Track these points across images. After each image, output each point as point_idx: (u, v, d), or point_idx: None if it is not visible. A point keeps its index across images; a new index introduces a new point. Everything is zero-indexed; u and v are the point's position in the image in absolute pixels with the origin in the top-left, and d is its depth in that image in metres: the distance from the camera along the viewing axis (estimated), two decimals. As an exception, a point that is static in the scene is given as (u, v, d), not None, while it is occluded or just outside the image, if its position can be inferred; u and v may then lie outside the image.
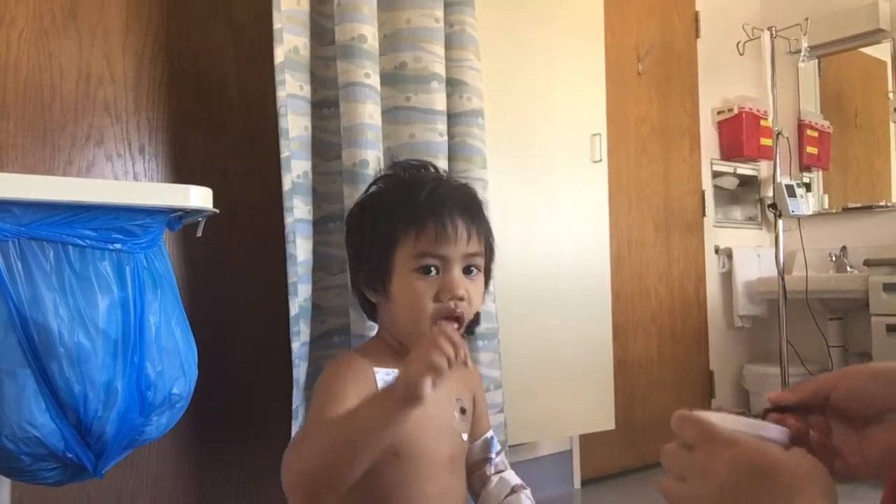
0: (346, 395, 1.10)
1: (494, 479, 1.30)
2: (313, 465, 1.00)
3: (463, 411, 1.27)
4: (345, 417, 1.02)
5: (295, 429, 1.53)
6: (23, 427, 0.99)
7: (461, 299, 1.15)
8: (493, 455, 1.33)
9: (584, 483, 2.68)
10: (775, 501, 0.55)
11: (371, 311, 1.29)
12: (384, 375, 1.16)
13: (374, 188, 1.29)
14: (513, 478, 1.31)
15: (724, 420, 0.63)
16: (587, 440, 2.68)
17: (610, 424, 2.49)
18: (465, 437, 1.27)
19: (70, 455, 1.04)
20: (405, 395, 0.93)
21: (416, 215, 1.16)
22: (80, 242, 1.04)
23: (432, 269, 1.15)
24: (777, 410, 0.70)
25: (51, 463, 1.05)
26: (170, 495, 1.68)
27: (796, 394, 0.71)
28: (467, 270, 1.19)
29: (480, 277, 1.22)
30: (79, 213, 1.04)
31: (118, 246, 1.08)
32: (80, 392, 1.02)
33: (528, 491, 1.29)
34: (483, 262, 1.23)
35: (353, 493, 1.11)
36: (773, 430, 0.63)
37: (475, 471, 1.31)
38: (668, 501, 0.62)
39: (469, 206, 1.21)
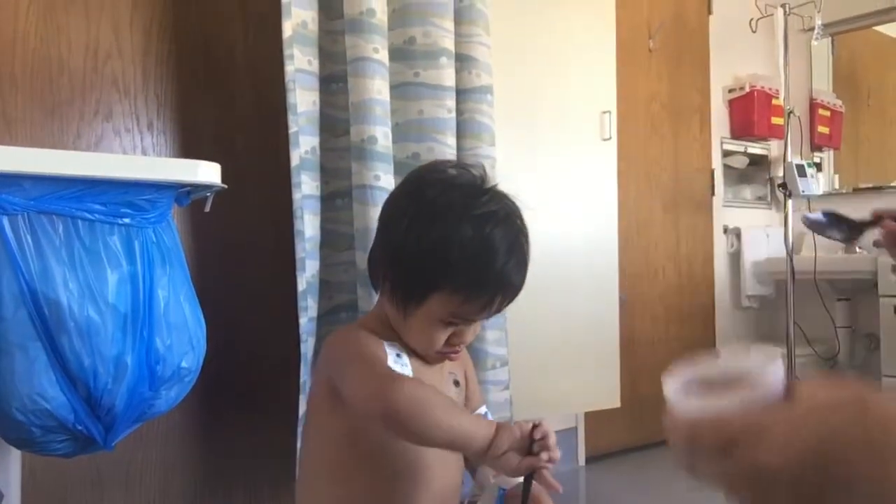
0: (375, 349, 1.15)
1: None
2: (420, 400, 1.03)
3: (456, 383, 1.31)
4: (453, 407, 1.08)
5: (302, 403, 1.54)
6: (33, 399, 1.00)
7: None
8: None
9: (588, 460, 2.70)
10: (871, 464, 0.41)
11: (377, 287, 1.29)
12: (391, 348, 1.18)
13: (443, 186, 1.18)
14: None
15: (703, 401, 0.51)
16: (592, 418, 2.69)
17: (615, 402, 2.50)
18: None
19: (80, 427, 1.05)
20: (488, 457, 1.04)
21: (474, 287, 1.13)
22: (89, 217, 1.04)
23: (456, 325, 1.18)
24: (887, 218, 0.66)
25: (61, 435, 1.06)
26: (178, 467, 1.70)
27: None
28: None
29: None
30: (88, 188, 1.04)
31: (127, 220, 1.08)
32: (90, 365, 1.03)
33: None
34: None
35: (364, 457, 1.13)
36: (770, 371, 0.51)
37: None
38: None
39: (522, 281, 1.19)
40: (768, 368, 0.51)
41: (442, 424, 1.02)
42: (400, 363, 1.17)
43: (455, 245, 1.12)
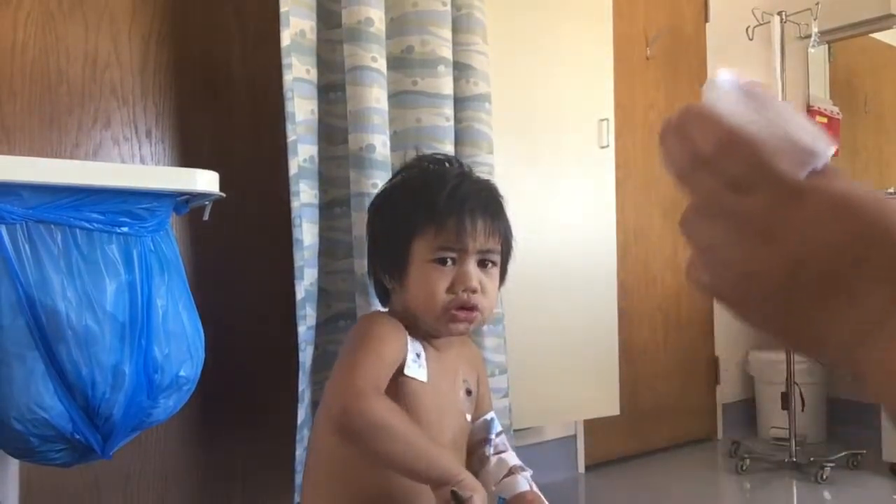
0: (391, 346, 1.16)
1: (493, 459, 1.31)
2: (380, 425, 1.04)
3: (469, 392, 1.30)
4: (421, 439, 1.07)
5: (300, 412, 1.54)
6: (31, 409, 1.00)
7: (474, 291, 1.19)
8: (493, 436, 1.34)
9: (588, 468, 2.69)
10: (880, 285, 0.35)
11: (384, 296, 1.31)
12: (413, 344, 1.20)
13: (398, 178, 1.31)
14: (512, 459, 1.32)
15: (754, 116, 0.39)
16: (592, 425, 2.68)
17: (614, 410, 2.50)
18: (468, 417, 1.29)
19: (78, 436, 1.05)
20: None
21: (437, 212, 1.19)
22: (87, 226, 1.04)
23: (448, 260, 1.18)
24: None
25: (59, 444, 1.06)
26: (176, 476, 1.69)
27: None
28: (482, 263, 1.22)
29: (496, 271, 1.26)
30: (86, 197, 1.04)
31: (125, 229, 1.08)
32: (88, 374, 1.03)
33: (527, 473, 1.30)
34: (499, 257, 1.25)
35: (361, 465, 1.13)
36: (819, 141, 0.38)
37: (475, 451, 1.33)
38: (695, 284, 0.41)
39: (490, 205, 1.24)
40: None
41: (394, 457, 1.05)
42: (417, 363, 1.18)
43: (409, 189, 1.25)
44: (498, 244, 1.24)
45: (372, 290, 1.57)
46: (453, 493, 1.02)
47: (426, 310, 1.19)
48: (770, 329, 0.39)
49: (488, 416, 1.36)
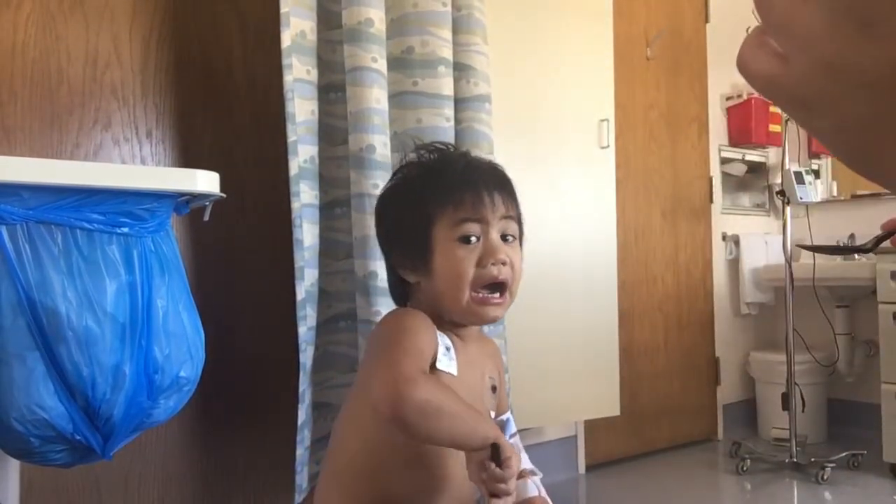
0: (424, 338, 1.13)
1: None
2: (431, 407, 1.03)
3: (493, 389, 1.29)
4: (468, 412, 1.08)
5: (301, 413, 1.54)
6: (32, 409, 1.00)
7: (503, 263, 1.17)
8: (508, 437, 1.33)
9: (588, 468, 2.69)
10: None
11: (402, 294, 1.29)
12: (442, 338, 1.18)
13: (399, 175, 1.29)
14: (524, 462, 1.31)
15: None
16: (592, 426, 2.68)
17: (615, 410, 2.50)
18: (492, 414, 1.29)
19: (78, 437, 1.05)
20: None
21: (452, 189, 1.18)
22: (87, 226, 1.04)
23: (472, 238, 1.17)
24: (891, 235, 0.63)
25: (59, 445, 1.06)
26: (177, 477, 1.69)
27: None
28: (504, 238, 1.20)
29: (517, 245, 1.24)
30: (87, 197, 1.04)
31: (126, 230, 1.08)
32: (89, 375, 1.03)
33: (538, 477, 1.29)
34: (518, 231, 1.25)
35: (401, 463, 1.12)
36: None
37: None
38: (752, 73, 0.33)
39: (500, 179, 1.24)
40: None
41: (443, 434, 1.05)
42: (448, 357, 1.16)
43: (415, 180, 1.23)
44: (516, 214, 1.23)
45: (372, 291, 1.57)
46: (494, 446, 1.03)
47: (456, 295, 1.16)
48: (835, 140, 0.32)
49: (505, 416, 1.35)
